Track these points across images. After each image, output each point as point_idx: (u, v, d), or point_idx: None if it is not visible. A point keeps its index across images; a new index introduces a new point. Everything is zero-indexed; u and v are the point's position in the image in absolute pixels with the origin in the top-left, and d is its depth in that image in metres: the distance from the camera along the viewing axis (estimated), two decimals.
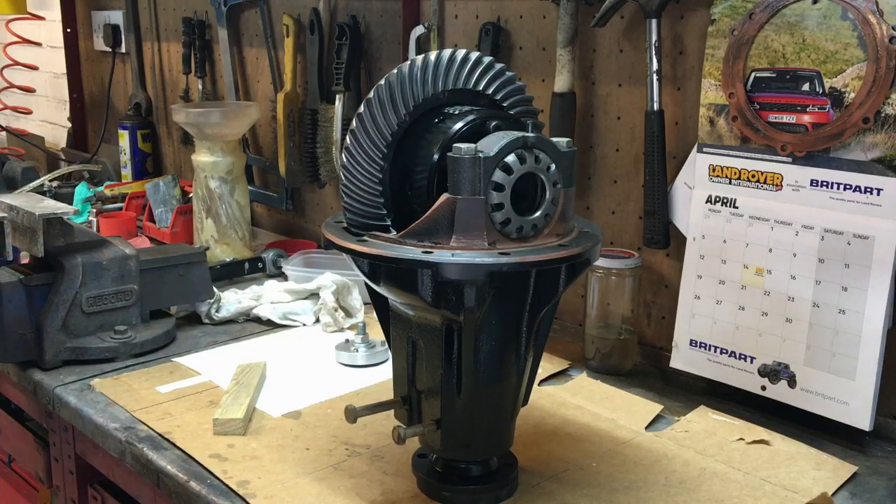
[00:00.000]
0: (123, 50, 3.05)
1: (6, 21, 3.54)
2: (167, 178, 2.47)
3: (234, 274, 2.03)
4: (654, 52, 1.53)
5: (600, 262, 1.55)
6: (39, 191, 2.58)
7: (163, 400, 1.44)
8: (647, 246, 1.61)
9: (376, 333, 1.49)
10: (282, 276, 2.03)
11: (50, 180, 2.67)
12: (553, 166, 1.04)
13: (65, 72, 3.33)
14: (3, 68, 3.60)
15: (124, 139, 2.92)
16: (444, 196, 1.01)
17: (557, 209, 1.06)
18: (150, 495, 1.35)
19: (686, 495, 1.18)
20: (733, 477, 1.23)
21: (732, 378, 1.45)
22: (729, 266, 1.45)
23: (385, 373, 1.55)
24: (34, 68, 3.67)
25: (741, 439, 1.32)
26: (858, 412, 1.30)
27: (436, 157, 1.06)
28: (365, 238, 1.07)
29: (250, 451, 1.28)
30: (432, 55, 1.09)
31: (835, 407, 1.33)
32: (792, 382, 1.38)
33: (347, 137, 1.08)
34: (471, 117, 1.07)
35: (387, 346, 1.23)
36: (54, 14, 3.36)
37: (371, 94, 1.07)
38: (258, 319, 1.80)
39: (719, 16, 1.45)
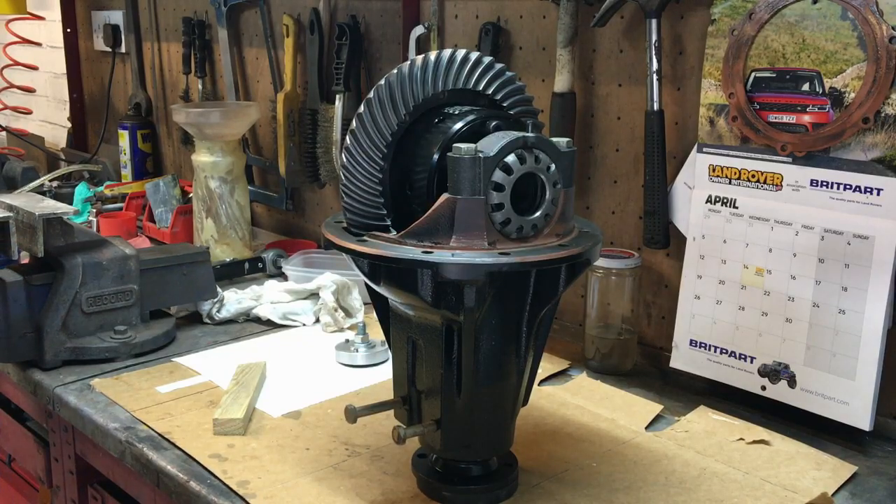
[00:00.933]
0: (123, 50, 3.05)
1: (6, 21, 3.54)
2: (167, 178, 2.47)
3: (234, 274, 2.03)
4: (654, 52, 1.53)
5: (600, 262, 1.55)
6: (39, 191, 2.58)
7: (163, 400, 1.44)
8: (647, 246, 1.61)
9: (376, 333, 1.49)
10: (282, 276, 2.03)
11: (50, 180, 2.67)
12: (553, 166, 1.04)
13: (65, 72, 3.33)
14: (3, 68, 3.61)
15: (124, 139, 2.92)
16: (444, 196, 1.01)
17: (557, 209, 1.06)
18: (150, 495, 1.35)
19: (686, 495, 1.18)
20: (733, 477, 1.23)
21: (732, 378, 1.45)
22: (729, 266, 1.45)
23: (385, 373, 1.55)
24: (34, 68, 3.68)
25: (741, 439, 1.32)
26: (858, 412, 1.30)
27: (436, 157, 1.06)
28: (365, 238, 1.07)
29: (250, 451, 1.28)
30: (432, 55, 1.09)
31: (835, 407, 1.33)
32: (792, 382, 1.38)
33: (347, 137, 1.08)
34: (471, 117, 1.07)
35: (387, 346, 1.23)
36: (54, 14, 3.36)
37: (371, 94, 1.07)
38: (258, 319, 1.80)
39: (719, 16, 1.44)
